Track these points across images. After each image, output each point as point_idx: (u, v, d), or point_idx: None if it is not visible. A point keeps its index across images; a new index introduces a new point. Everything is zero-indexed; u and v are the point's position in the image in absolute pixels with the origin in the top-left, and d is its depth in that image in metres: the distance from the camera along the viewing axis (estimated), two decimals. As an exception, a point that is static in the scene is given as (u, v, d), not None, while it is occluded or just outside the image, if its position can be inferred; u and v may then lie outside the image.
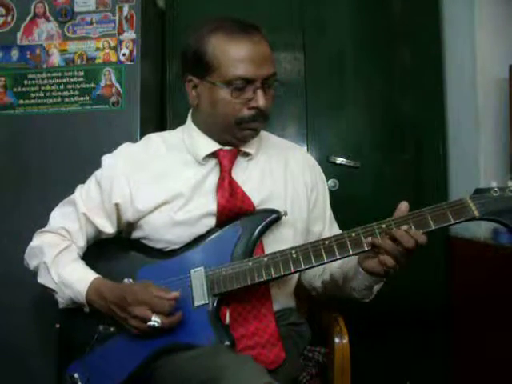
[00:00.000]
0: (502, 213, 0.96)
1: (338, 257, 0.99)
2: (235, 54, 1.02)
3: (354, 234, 0.99)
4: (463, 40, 1.81)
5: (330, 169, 1.91)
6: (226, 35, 1.04)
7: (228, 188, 1.09)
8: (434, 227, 0.97)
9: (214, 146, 1.12)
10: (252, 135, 1.11)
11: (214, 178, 1.12)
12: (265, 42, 1.06)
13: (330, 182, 1.91)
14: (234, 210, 1.08)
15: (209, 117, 1.11)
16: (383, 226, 0.98)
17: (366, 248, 0.98)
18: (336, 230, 1.24)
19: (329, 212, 1.25)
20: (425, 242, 0.96)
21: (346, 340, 1.12)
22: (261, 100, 1.04)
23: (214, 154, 1.13)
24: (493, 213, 0.97)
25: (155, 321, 0.96)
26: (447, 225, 0.97)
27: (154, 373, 1.01)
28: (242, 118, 1.06)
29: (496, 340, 1.53)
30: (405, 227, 0.96)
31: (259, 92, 1.04)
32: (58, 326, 1.14)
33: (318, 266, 1.01)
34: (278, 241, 1.10)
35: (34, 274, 1.14)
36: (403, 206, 1.01)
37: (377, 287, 1.10)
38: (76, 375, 1.05)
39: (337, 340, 1.13)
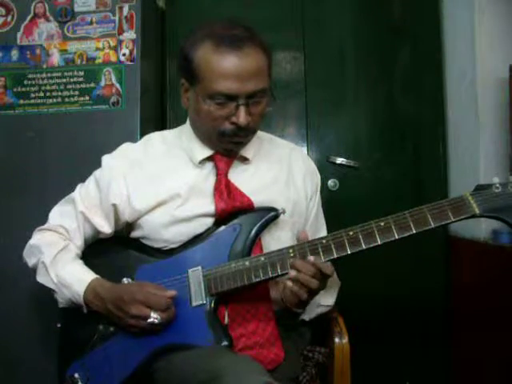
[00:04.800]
0: (504, 210, 0.93)
1: (335, 256, 0.98)
2: (218, 69, 0.99)
3: (351, 233, 0.99)
4: (463, 40, 1.80)
5: (329, 169, 1.91)
6: (212, 46, 1.00)
7: (225, 190, 1.09)
8: (433, 225, 0.95)
9: (209, 151, 1.12)
10: (236, 147, 1.11)
11: (211, 180, 1.12)
12: (256, 55, 1.01)
13: (330, 182, 1.91)
14: (232, 211, 1.07)
15: (196, 123, 1.12)
16: (381, 223, 0.98)
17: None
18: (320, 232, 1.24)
19: (313, 215, 1.23)
20: (330, 272, 0.96)
21: (345, 340, 1.13)
22: (241, 117, 1.01)
23: (210, 158, 1.13)
24: (494, 210, 0.94)
25: (154, 317, 0.96)
26: (447, 223, 0.96)
27: (153, 373, 1.01)
28: (224, 131, 1.05)
29: (496, 340, 1.53)
30: (311, 258, 0.96)
31: (241, 108, 1.01)
32: (58, 325, 1.14)
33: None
34: (277, 242, 1.09)
35: (32, 271, 1.14)
36: (302, 235, 1.03)
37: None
38: (76, 375, 1.06)
39: (337, 340, 1.13)
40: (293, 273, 0.97)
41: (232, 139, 1.07)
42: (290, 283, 0.97)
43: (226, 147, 1.10)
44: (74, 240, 1.15)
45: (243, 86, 1.00)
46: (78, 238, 1.15)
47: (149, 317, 0.96)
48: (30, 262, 1.15)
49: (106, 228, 1.14)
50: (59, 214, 1.18)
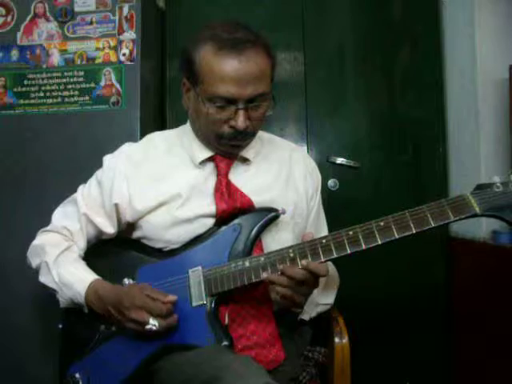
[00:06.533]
0: (505, 209, 0.92)
1: (335, 256, 0.98)
2: (219, 72, 0.99)
3: (351, 233, 0.98)
4: (463, 40, 1.81)
5: (329, 169, 1.91)
6: (214, 49, 1.00)
7: (226, 191, 1.09)
8: (433, 225, 0.94)
9: (209, 152, 1.12)
10: (234, 150, 1.11)
11: (212, 181, 1.12)
12: (257, 59, 1.00)
13: (330, 182, 1.91)
14: (233, 211, 1.07)
15: (195, 124, 1.12)
16: (381, 223, 0.97)
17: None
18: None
19: (314, 214, 1.22)
20: (323, 273, 0.95)
21: (345, 340, 1.12)
22: (240, 121, 1.01)
23: (211, 158, 1.13)
24: (495, 209, 0.93)
25: (153, 324, 0.96)
26: (447, 222, 0.95)
27: (153, 374, 1.00)
28: (222, 134, 1.05)
29: (496, 340, 1.53)
30: (303, 262, 0.95)
31: (240, 113, 1.01)
32: (60, 326, 1.14)
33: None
34: (278, 244, 1.08)
35: (35, 272, 1.14)
36: (308, 235, 1.02)
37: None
38: (77, 375, 1.06)
39: (337, 340, 1.13)
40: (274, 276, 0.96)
41: (230, 142, 1.07)
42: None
43: (225, 150, 1.10)
44: (77, 241, 1.15)
45: (243, 90, 0.99)
46: (81, 240, 1.15)
47: (147, 323, 0.96)
48: (34, 262, 1.15)
49: (110, 228, 1.14)
50: (62, 216, 1.18)
